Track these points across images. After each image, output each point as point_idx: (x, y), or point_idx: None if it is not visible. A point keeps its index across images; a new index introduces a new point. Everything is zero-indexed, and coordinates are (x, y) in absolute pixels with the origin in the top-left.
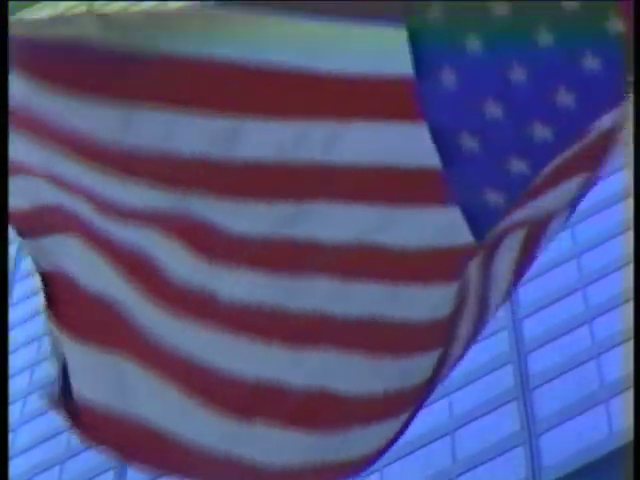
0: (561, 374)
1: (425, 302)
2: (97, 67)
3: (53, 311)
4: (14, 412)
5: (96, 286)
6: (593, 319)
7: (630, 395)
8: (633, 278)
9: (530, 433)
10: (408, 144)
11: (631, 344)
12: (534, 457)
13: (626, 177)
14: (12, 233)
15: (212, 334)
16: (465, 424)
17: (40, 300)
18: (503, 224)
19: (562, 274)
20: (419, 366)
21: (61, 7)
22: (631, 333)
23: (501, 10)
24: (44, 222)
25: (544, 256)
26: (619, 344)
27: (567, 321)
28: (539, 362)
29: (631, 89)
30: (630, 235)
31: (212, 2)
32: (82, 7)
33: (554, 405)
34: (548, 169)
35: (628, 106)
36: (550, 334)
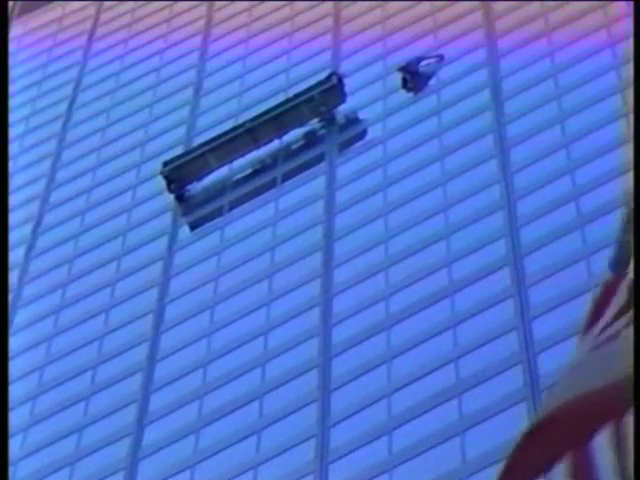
0: None
1: None
2: None
3: None
4: (24, 412)
5: None
6: None
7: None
8: (633, 282)
9: None
10: None
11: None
12: None
13: (627, 181)
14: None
15: None
16: (474, 425)
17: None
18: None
19: (572, 275)
20: None
21: (70, 7)
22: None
23: None
24: None
25: (555, 257)
26: None
27: (576, 322)
28: (549, 363)
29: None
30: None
31: None
32: (90, 8)
33: None
34: None
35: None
36: (560, 335)
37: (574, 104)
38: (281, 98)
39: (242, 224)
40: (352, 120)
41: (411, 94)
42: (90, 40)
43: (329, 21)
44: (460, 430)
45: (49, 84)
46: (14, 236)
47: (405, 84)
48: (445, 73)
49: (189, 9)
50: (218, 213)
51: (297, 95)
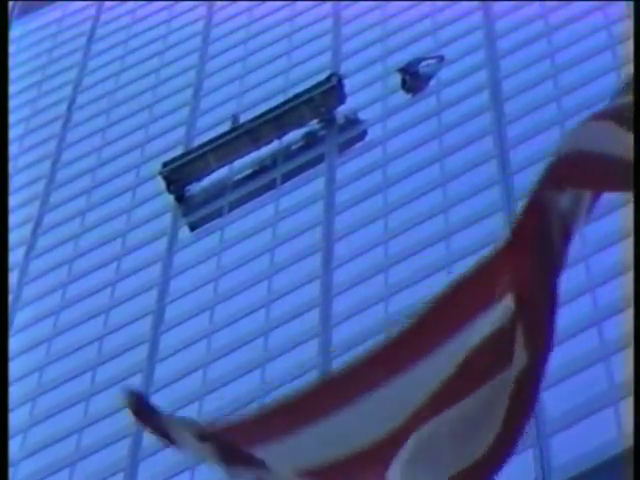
0: (570, 375)
1: None
2: None
3: None
4: (24, 413)
5: None
6: (602, 320)
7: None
8: (633, 284)
9: (539, 434)
10: None
11: None
12: (544, 458)
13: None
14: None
15: None
16: None
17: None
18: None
19: (571, 276)
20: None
21: (70, 8)
22: None
23: None
24: None
25: None
26: (628, 345)
27: (576, 322)
28: (548, 363)
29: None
30: (630, 241)
31: None
32: (90, 8)
33: (563, 406)
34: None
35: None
36: (559, 335)
37: (574, 105)
38: (281, 99)
39: (242, 225)
40: (352, 121)
41: (411, 95)
42: (90, 41)
43: (329, 22)
44: None
45: (49, 85)
46: (14, 237)
47: (405, 85)
48: (445, 74)
49: (189, 10)
50: (218, 214)
51: (297, 96)
